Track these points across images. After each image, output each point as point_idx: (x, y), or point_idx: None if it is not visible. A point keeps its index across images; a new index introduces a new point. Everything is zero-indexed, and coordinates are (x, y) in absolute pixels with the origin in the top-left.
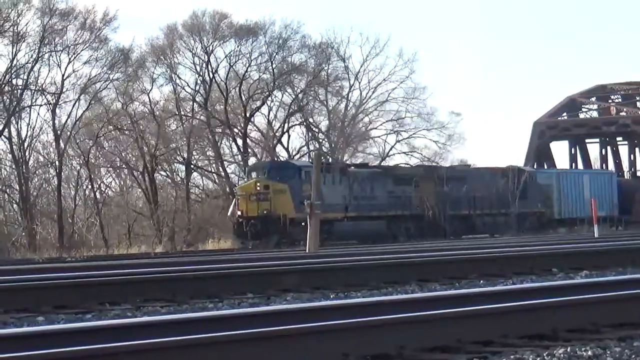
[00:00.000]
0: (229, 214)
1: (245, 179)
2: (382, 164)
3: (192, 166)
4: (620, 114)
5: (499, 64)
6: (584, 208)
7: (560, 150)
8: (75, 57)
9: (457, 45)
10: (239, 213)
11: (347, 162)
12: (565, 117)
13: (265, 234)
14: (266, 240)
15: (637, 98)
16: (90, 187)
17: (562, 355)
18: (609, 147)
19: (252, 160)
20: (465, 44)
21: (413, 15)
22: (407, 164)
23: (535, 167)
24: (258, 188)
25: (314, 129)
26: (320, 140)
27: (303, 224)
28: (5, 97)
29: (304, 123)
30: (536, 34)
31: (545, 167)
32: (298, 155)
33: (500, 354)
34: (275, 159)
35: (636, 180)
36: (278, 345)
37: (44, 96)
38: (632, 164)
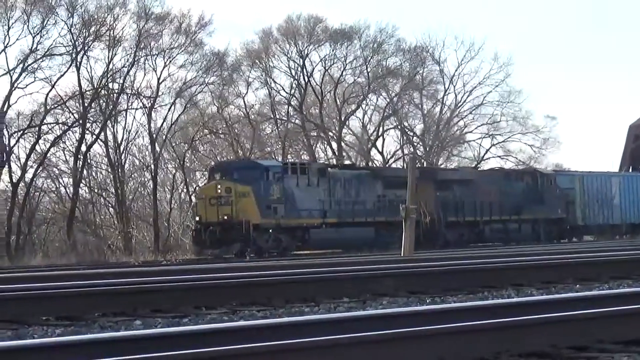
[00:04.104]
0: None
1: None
2: (477, 167)
3: None
4: None
5: (595, 67)
6: (613, 214)
7: None
8: (170, 61)
9: (553, 47)
10: (197, 218)
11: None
12: None
13: (225, 242)
14: (226, 249)
15: None
16: (185, 190)
17: None
18: None
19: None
20: (560, 46)
21: (508, 17)
22: (501, 167)
23: (630, 170)
24: (219, 190)
25: (408, 132)
26: (415, 144)
27: (271, 230)
28: (101, 101)
29: (399, 126)
30: (632, 36)
31: None
32: (393, 159)
33: (596, 359)
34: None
35: None
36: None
37: (139, 100)
38: None
